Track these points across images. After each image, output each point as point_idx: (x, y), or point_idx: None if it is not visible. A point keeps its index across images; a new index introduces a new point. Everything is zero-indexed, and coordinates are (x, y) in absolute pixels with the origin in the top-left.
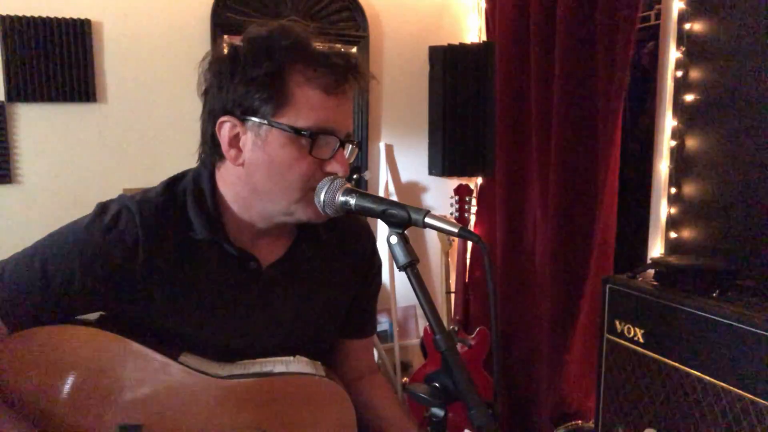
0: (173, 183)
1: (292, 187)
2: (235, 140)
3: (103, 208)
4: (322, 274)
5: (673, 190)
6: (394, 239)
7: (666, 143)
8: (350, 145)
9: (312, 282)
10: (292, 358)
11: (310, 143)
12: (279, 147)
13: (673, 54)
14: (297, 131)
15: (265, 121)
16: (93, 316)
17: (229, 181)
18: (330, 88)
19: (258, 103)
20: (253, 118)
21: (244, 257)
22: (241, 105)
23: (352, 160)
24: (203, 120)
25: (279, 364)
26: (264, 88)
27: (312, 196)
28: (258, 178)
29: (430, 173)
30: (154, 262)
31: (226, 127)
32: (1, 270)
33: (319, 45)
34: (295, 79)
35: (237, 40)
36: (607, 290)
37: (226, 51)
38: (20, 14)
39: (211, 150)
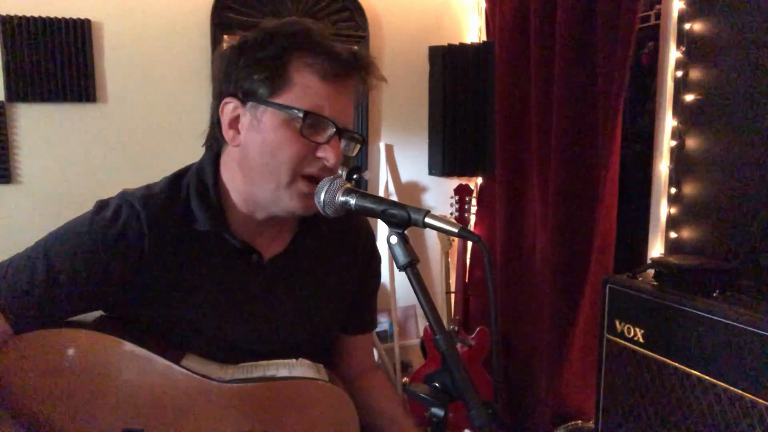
0: (177, 178)
1: (281, 168)
2: (234, 121)
3: (102, 204)
4: (324, 268)
5: (673, 190)
6: (394, 239)
7: (666, 143)
8: (350, 140)
9: (313, 276)
10: (294, 361)
11: (301, 123)
12: (272, 128)
13: (673, 54)
14: (289, 111)
15: (262, 102)
16: (92, 315)
17: (229, 166)
18: (328, 76)
19: (257, 84)
20: (252, 100)
21: (246, 250)
22: (243, 87)
23: (353, 154)
24: (212, 105)
25: (282, 368)
26: (264, 70)
27: (300, 185)
28: (251, 159)
29: (430, 173)
30: (158, 256)
31: (228, 108)
32: (5, 270)
33: (328, 39)
34: (295, 63)
35: (242, 34)
36: (607, 290)
37: (238, 39)
38: (20, 14)
39: (216, 134)
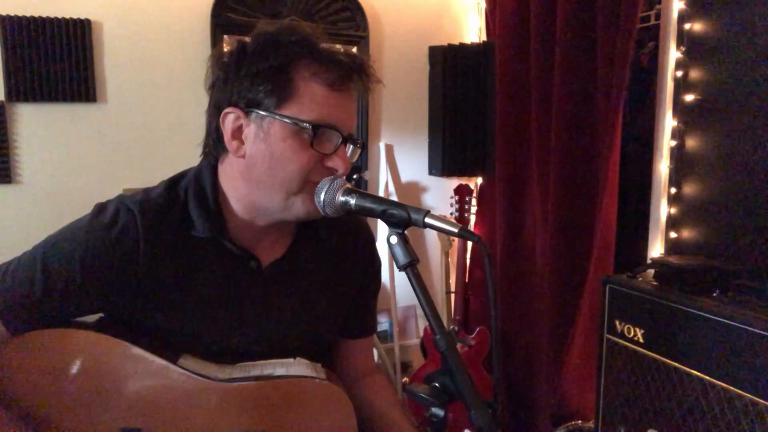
0: (175, 182)
1: (291, 179)
2: (237, 132)
3: (100, 208)
4: (322, 274)
5: (673, 190)
6: (394, 239)
7: (666, 143)
8: (352, 145)
9: (312, 281)
10: (292, 360)
11: (312, 136)
12: (280, 139)
13: (673, 54)
14: (299, 123)
15: (268, 114)
16: (93, 317)
17: (230, 175)
18: (334, 84)
19: (262, 95)
20: (257, 111)
21: (244, 256)
22: (246, 97)
23: (354, 160)
24: (209, 113)
25: (279, 367)
26: (269, 81)
27: (310, 190)
28: (258, 170)
29: (430, 173)
30: (155, 261)
31: (230, 118)
32: (3, 272)
33: (326, 44)
34: (300, 73)
35: (238, 39)
36: (607, 290)
37: (234, 46)
38: (20, 14)
39: (215, 143)
